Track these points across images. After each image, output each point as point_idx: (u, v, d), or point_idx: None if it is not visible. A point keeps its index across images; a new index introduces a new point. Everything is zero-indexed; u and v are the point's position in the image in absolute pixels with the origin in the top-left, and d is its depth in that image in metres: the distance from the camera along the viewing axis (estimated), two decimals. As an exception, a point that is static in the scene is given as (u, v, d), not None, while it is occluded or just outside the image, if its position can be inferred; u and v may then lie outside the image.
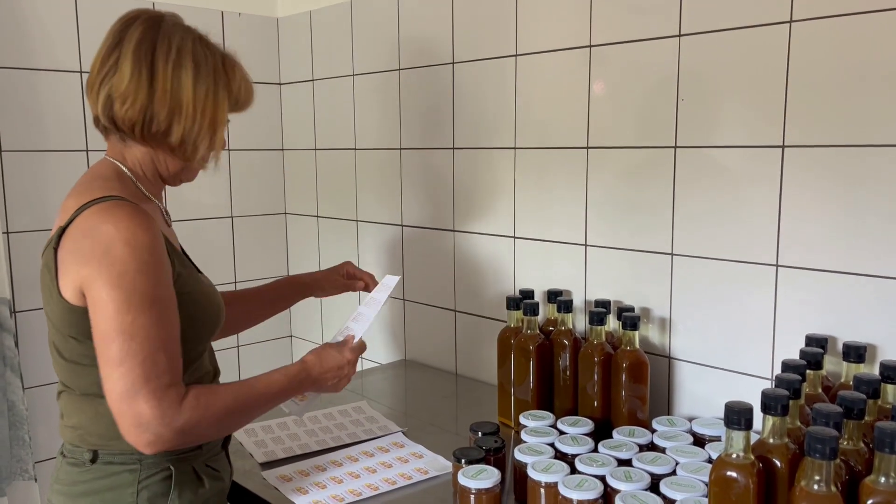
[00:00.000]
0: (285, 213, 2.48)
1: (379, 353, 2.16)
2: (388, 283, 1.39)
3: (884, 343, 1.21)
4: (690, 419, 1.39)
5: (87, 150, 2.02)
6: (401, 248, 2.06)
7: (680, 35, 1.41)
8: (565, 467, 1.20)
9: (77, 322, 1.07)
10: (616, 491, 1.13)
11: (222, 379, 1.25)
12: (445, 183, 1.90)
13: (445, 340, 1.97)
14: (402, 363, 2.08)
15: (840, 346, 1.25)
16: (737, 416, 0.92)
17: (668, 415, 1.49)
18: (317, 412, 1.64)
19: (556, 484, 1.16)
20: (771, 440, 0.96)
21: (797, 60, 1.26)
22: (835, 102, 1.23)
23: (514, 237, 1.76)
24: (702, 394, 1.46)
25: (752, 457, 0.93)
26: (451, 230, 1.91)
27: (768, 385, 1.36)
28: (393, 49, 1.98)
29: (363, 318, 1.34)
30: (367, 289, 1.55)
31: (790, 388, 1.00)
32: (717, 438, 1.31)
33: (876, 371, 1.19)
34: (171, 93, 1.10)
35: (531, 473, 1.19)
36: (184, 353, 1.08)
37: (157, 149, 1.16)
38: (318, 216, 2.34)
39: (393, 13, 1.98)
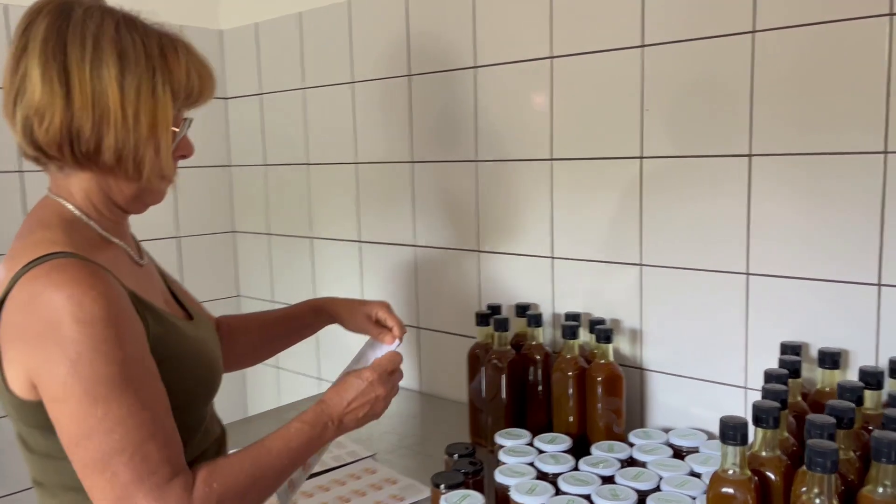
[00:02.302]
0: (234, 232, 2.39)
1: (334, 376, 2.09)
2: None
3: (855, 348, 1.23)
4: (665, 430, 1.38)
5: (20, 171, 1.90)
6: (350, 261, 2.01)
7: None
8: (549, 488, 1.17)
9: (35, 416, 0.88)
10: (604, 510, 1.11)
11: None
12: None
13: (407, 358, 1.93)
14: (363, 383, 2.01)
15: (812, 353, 1.26)
16: (732, 431, 0.91)
17: (642, 427, 1.48)
18: None
19: (541, 506, 1.14)
20: (763, 453, 0.95)
21: (761, 69, 1.27)
22: (800, 111, 1.24)
23: (479, 251, 1.73)
24: (675, 404, 1.45)
25: (749, 472, 0.92)
26: (411, 245, 1.87)
27: (742, 393, 1.36)
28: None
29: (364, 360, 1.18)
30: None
31: (778, 399, 0.99)
32: (696, 450, 1.31)
33: (851, 376, 1.20)
34: (92, 98, 0.87)
35: (515, 496, 1.16)
36: (179, 427, 0.90)
37: (101, 172, 0.93)
38: (269, 234, 2.27)
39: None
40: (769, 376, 1.09)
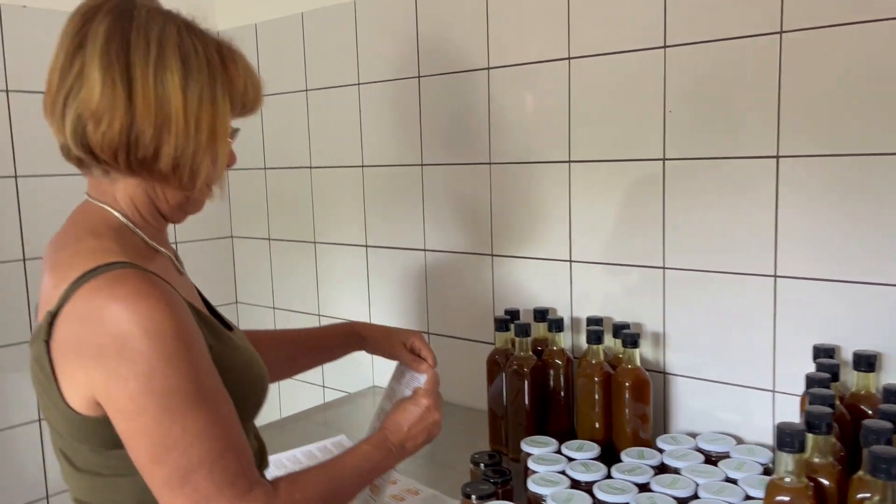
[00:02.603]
0: (231, 237, 2.34)
1: (344, 382, 2.05)
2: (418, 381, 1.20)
3: (888, 350, 1.22)
4: (691, 435, 1.37)
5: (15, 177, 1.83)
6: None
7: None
8: (586, 497, 1.15)
9: (92, 434, 0.85)
10: (645, 519, 1.09)
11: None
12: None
13: (417, 364, 1.89)
14: (370, 391, 1.98)
15: (843, 355, 1.25)
16: (790, 438, 0.89)
17: (665, 432, 1.47)
18: (295, 451, 1.53)
19: (581, 516, 1.11)
20: (816, 459, 0.94)
21: (789, 70, 1.26)
22: (830, 111, 1.23)
23: (492, 255, 1.70)
24: (700, 409, 1.43)
25: (806, 480, 0.90)
26: (421, 249, 1.84)
27: (770, 397, 1.35)
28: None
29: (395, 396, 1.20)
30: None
31: (826, 404, 0.98)
32: (726, 455, 1.29)
33: (886, 379, 1.20)
34: (155, 103, 0.84)
35: (552, 506, 1.14)
36: None
37: (151, 179, 0.90)
38: (269, 239, 2.22)
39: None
40: (811, 380, 1.08)
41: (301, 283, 2.14)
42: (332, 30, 1.94)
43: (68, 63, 0.85)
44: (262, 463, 1.06)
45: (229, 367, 0.92)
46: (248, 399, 0.98)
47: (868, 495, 0.87)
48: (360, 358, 2.00)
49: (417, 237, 1.83)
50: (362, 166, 1.94)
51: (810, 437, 0.94)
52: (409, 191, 1.84)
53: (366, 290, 1.97)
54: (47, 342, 0.84)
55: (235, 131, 0.96)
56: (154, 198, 0.93)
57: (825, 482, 0.93)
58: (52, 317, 0.84)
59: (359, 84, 1.90)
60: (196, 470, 0.81)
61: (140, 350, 0.79)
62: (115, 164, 0.87)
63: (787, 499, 0.89)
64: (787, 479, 0.90)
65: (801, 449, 0.89)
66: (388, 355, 1.27)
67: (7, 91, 1.79)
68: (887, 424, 0.89)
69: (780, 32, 1.26)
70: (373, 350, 1.30)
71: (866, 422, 0.90)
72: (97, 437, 0.85)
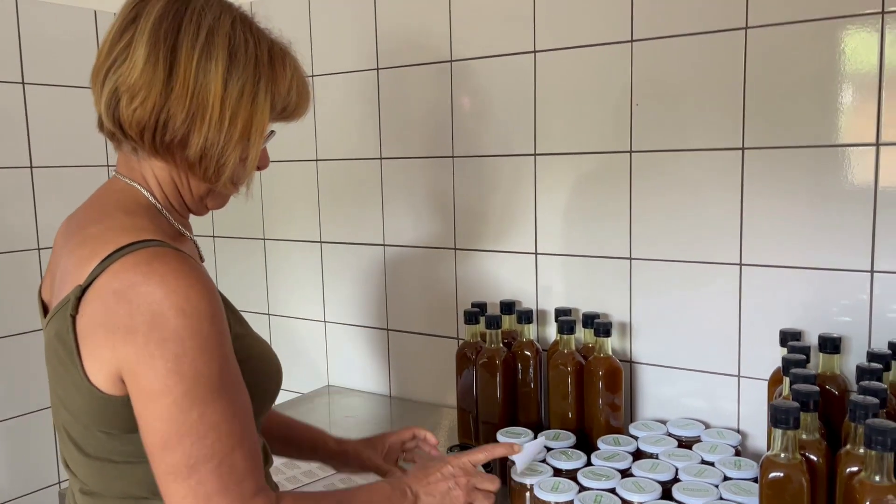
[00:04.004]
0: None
1: (299, 383, 2.00)
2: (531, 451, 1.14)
3: (848, 333, 1.27)
4: (661, 422, 1.40)
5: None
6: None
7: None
8: (572, 484, 1.15)
9: (113, 415, 0.82)
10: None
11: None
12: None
13: (376, 361, 1.86)
14: (325, 390, 1.94)
15: (806, 339, 1.30)
16: (784, 415, 0.92)
17: (634, 420, 1.49)
18: (279, 463, 1.45)
19: (570, 503, 1.12)
20: (804, 436, 0.97)
21: (754, 65, 1.30)
22: (794, 105, 1.28)
23: (455, 249, 1.69)
24: (667, 396, 1.46)
25: (800, 456, 0.93)
26: (381, 244, 1.81)
27: (735, 382, 1.39)
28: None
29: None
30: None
31: (810, 383, 1.02)
32: (697, 439, 1.33)
33: (848, 361, 1.25)
34: (193, 90, 0.83)
35: (540, 495, 1.14)
36: None
37: (174, 164, 0.88)
38: (213, 236, 2.14)
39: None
40: (788, 362, 1.12)
41: (249, 282, 2.07)
42: (283, 20, 1.89)
43: (118, 35, 0.85)
44: (266, 460, 1.03)
45: (251, 357, 0.91)
46: (266, 390, 0.96)
47: (857, 468, 0.90)
48: (315, 357, 1.97)
49: (376, 232, 1.81)
50: (316, 160, 1.90)
51: (802, 415, 0.97)
52: (367, 185, 1.81)
53: (320, 287, 1.93)
54: (73, 317, 0.81)
55: (271, 133, 0.94)
56: (179, 184, 0.91)
57: (814, 458, 0.96)
58: (82, 291, 0.80)
59: (312, 76, 1.86)
60: (205, 462, 0.78)
61: (174, 329, 0.76)
62: (141, 143, 0.86)
63: (782, 474, 0.92)
64: (782, 455, 0.93)
65: (796, 426, 0.92)
66: (388, 459, 1.23)
67: (23, 83, 1.80)
68: (874, 400, 0.93)
69: (745, 28, 1.31)
70: (344, 466, 1.25)
71: (853, 397, 0.94)
72: (117, 418, 0.82)
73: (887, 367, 1.12)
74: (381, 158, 1.77)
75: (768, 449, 0.98)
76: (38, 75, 1.83)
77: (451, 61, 1.64)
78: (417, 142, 1.72)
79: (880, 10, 1.19)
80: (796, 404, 0.93)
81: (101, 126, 0.89)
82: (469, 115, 1.63)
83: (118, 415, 0.82)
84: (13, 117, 1.79)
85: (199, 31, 0.84)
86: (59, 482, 1.93)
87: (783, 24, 1.27)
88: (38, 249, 1.85)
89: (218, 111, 0.84)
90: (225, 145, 0.86)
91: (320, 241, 1.91)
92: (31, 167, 1.83)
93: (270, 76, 0.89)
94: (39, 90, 1.84)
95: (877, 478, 0.86)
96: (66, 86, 1.88)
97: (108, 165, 2.00)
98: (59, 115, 1.87)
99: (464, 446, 1.30)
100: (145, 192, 0.90)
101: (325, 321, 1.94)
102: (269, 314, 2.05)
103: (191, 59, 0.83)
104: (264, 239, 2.03)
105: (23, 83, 1.80)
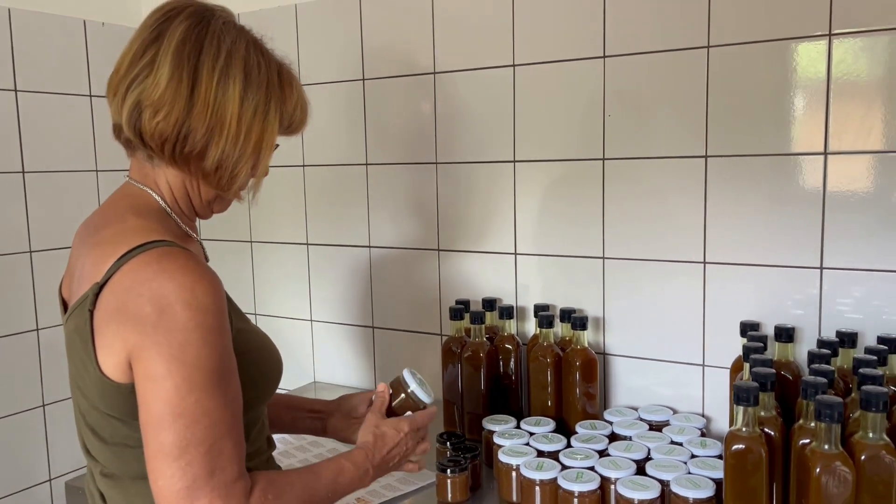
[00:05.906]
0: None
1: (285, 380, 2.07)
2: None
3: (799, 324, 1.40)
4: (633, 409, 1.51)
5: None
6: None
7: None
8: (554, 464, 1.26)
9: (123, 402, 0.89)
10: (610, 479, 1.21)
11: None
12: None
13: (362, 357, 1.95)
14: (311, 386, 2.02)
15: (762, 330, 1.43)
16: (746, 393, 1.03)
17: (607, 407, 1.61)
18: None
19: (553, 480, 1.22)
20: (762, 413, 1.09)
21: (715, 79, 1.43)
22: (750, 117, 1.41)
23: (439, 249, 1.79)
24: (638, 385, 1.58)
25: (759, 430, 1.05)
26: (366, 246, 1.90)
27: (700, 370, 1.51)
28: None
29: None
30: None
31: (768, 367, 1.14)
32: (666, 423, 1.44)
33: (801, 349, 1.38)
34: (213, 107, 0.91)
35: (526, 473, 1.24)
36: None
37: (189, 173, 0.96)
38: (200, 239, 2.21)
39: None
40: (749, 349, 1.24)
41: (236, 284, 2.15)
42: (271, 32, 1.97)
43: (141, 51, 0.93)
44: (269, 445, 1.11)
45: (250, 349, 0.98)
46: (268, 378, 1.04)
47: (809, 440, 1.02)
48: (302, 355, 2.04)
49: (362, 234, 1.90)
50: (303, 166, 1.98)
51: (761, 395, 1.09)
52: (353, 189, 1.90)
53: (307, 287, 2.01)
54: (91, 311, 0.88)
55: (276, 146, 1.04)
56: (190, 190, 0.99)
57: (771, 432, 1.08)
58: (99, 288, 0.88)
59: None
60: (197, 446, 0.83)
61: (180, 320, 0.83)
62: (161, 154, 0.94)
63: (743, 446, 1.04)
64: (744, 430, 1.04)
65: (756, 403, 1.04)
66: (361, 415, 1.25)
67: (16, 90, 1.85)
68: (822, 380, 1.05)
69: (708, 47, 1.43)
70: (336, 432, 1.31)
71: (805, 378, 1.06)
72: (128, 405, 0.89)
73: (835, 353, 1.25)
74: (366, 164, 1.87)
75: (731, 426, 1.10)
76: (30, 83, 1.88)
77: (434, 73, 1.74)
78: (402, 149, 1.81)
79: (827, 32, 1.32)
80: (756, 384, 1.04)
81: (117, 134, 0.97)
82: (451, 124, 1.73)
83: (128, 402, 0.88)
84: (6, 123, 1.84)
85: (218, 53, 0.93)
86: (51, 479, 1.97)
87: (741, 43, 1.40)
88: (30, 252, 1.89)
89: (235, 126, 0.93)
90: (239, 157, 0.95)
91: (307, 244, 2.00)
92: (24, 172, 1.87)
93: (280, 96, 0.99)
94: (31, 97, 1.88)
95: (826, 447, 0.98)
96: (58, 93, 1.93)
97: (97, 170, 2.05)
98: (51, 122, 1.92)
99: (450, 435, 1.40)
100: (156, 197, 0.98)
101: (311, 320, 2.02)
102: (255, 314, 2.12)
103: (211, 79, 0.92)
104: (251, 241, 2.11)
105: (15, 90, 1.85)
